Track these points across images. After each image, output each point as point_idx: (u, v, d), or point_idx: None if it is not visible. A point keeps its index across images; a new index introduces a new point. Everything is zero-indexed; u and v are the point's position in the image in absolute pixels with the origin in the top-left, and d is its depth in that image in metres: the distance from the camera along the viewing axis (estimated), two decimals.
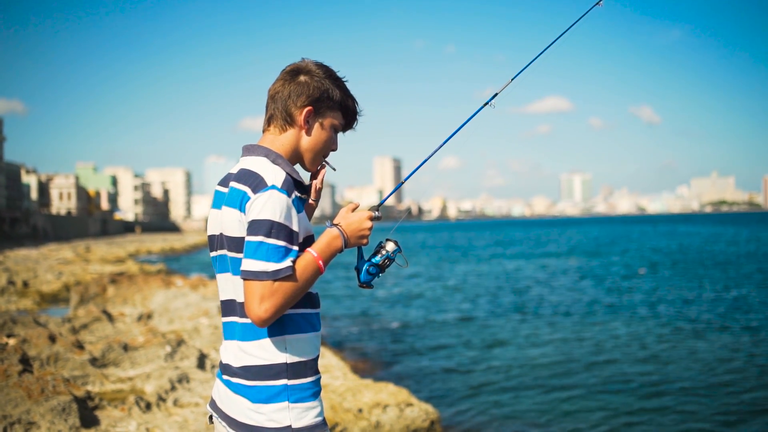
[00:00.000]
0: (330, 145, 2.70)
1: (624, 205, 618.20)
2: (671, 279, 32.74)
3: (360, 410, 8.78)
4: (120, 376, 9.54)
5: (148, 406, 7.73)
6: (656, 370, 13.54)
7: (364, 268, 2.67)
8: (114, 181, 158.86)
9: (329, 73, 2.65)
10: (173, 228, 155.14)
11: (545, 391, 12.24)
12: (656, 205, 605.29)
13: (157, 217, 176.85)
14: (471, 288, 31.06)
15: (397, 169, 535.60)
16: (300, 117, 2.59)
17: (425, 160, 2.86)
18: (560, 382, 12.86)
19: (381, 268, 2.67)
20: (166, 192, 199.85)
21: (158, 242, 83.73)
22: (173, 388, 8.54)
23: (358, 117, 2.74)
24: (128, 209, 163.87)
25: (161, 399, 8.11)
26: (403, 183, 2.86)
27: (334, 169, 2.79)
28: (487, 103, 2.97)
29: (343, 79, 2.69)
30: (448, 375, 13.57)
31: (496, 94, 2.97)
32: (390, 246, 2.68)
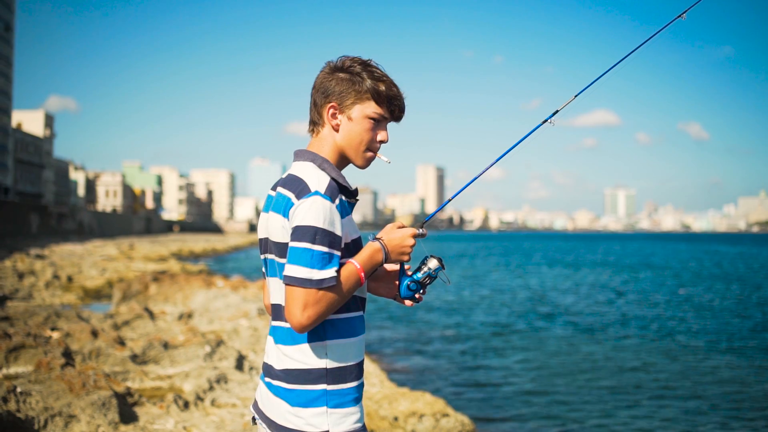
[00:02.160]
0: (370, 137, 2.60)
1: (668, 222, 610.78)
2: (708, 297, 32.26)
3: (396, 418, 8.77)
4: (159, 374, 9.63)
5: (186, 405, 7.80)
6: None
7: (404, 283, 2.68)
8: (159, 181, 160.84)
9: (356, 63, 2.59)
10: (216, 229, 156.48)
11: (585, 404, 12.11)
12: (701, 223, 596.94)
13: (201, 217, 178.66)
14: (512, 299, 30.87)
15: (440, 177, 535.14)
16: (326, 115, 2.58)
17: (475, 178, 2.78)
18: (603, 395, 12.71)
19: (422, 285, 2.67)
20: (210, 193, 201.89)
21: (200, 242, 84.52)
22: (211, 388, 8.60)
23: (400, 101, 2.64)
24: (172, 209, 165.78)
25: (199, 398, 8.18)
26: (450, 201, 2.85)
27: (388, 162, 2.72)
28: (546, 120, 2.89)
29: (376, 66, 2.61)
30: (486, 386, 13.48)
31: (557, 111, 2.87)
32: (433, 263, 2.66)
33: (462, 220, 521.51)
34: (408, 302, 2.72)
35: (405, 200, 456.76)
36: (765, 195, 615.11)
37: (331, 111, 2.57)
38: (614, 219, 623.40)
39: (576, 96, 2.93)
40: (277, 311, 2.56)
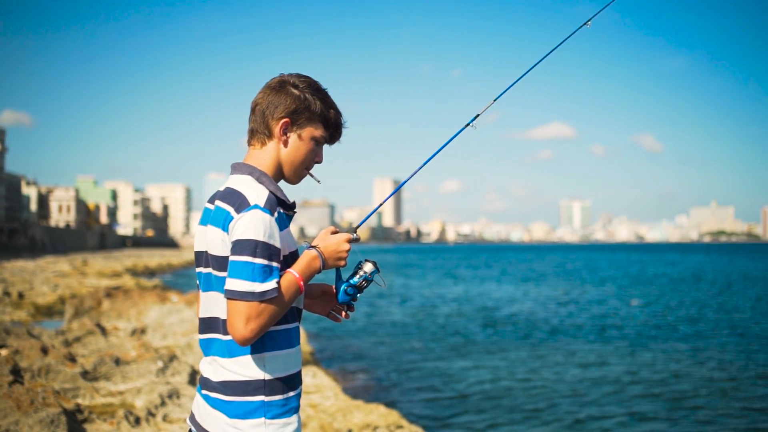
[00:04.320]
0: (311, 158, 2.68)
1: (623, 232, 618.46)
2: (661, 308, 32.75)
3: (350, 431, 8.78)
4: (111, 390, 9.53)
5: (137, 421, 7.74)
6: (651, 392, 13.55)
7: (341, 288, 2.72)
8: (114, 195, 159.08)
9: (309, 84, 2.65)
10: (172, 244, 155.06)
11: (536, 417, 12.23)
12: (655, 233, 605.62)
13: (156, 232, 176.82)
14: (466, 311, 31.04)
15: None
16: (277, 129, 2.60)
17: (402, 183, 2.92)
18: (552, 409, 12.85)
19: (358, 288, 2.71)
20: (165, 207, 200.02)
21: (156, 258, 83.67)
22: (163, 404, 8.54)
23: (342, 129, 2.74)
24: (127, 224, 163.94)
25: (151, 414, 8.11)
26: (380, 206, 2.87)
27: (318, 182, 2.80)
28: (468, 125, 2.99)
29: (327, 91, 2.69)
30: (440, 398, 13.55)
31: (477, 116, 2.99)
32: (368, 267, 2.71)
33: (419, 233, 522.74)
34: (342, 315, 2.80)
35: (362, 213, 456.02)
36: (716, 205, 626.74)
37: (283, 126, 2.60)
38: (570, 230, 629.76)
39: (495, 100, 3.07)
40: (214, 324, 2.56)
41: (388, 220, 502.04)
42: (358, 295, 2.73)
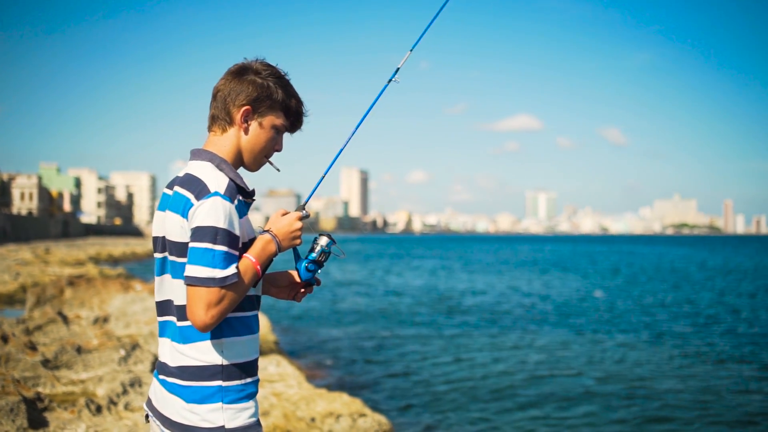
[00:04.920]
0: (272, 146, 2.69)
1: (587, 224, 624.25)
2: (623, 298, 33.13)
3: (313, 419, 8.80)
4: (72, 379, 9.46)
5: (99, 409, 7.69)
6: (597, 384, 13.71)
7: (302, 266, 2.73)
8: (77, 183, 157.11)
9: (272, 72, 2.65)
10: (136, 232, 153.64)
11: (498, 403, 12.34)
12: (619, 225, 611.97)
13: (121, 220, 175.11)
14: (430, 300, 31.17)
15: (364, 180, 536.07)
16: (238, 116, 2.60)
17: (339, 152, 2.91)
18: (514, 394, 12.97)
19: (319, 263, 2.73)
20: (130, 196, 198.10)
21: (120, 246, 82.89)
22: (125, 392, 8.49)
23: (303, 118, 2.75)
24: (91, 212, 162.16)
25: (112, 402, 8.07)
26: (323, 178, 2.88)
27: (278, 170, 2.81)
28: (391, 80, 3.01)
29: (289, 80, 2.69)
30: (403, 386, 13.61)
31: (398, 69, 3.02)
32: (323, 240, 2.73)
33: (386, 223, 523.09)
34: (302, 292, 2.82)
35: (329, 203, 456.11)
36: (679, 198, 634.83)
37: (245, 114, 2.60)
38: (535, 222, 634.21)
39: (410, 51, 3.09)
40: (166, 308, 2.57)
41: (354, 210, 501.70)
42: (319, 270, 2.74)
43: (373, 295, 34.16)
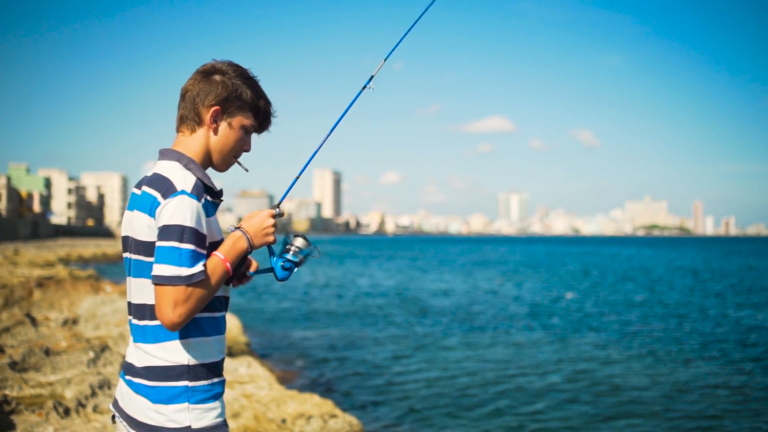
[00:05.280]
0: (240, 146, 2.69)
1: (559, 225, 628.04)
2: (594, 300, 33.37)
3: (283, 421, 8.78)
4: (40, 381, 9.37)
5: (67, 412, 7.63)
6: (571, 386, 13.81)
7: (278, 265, 2.71)
8: (47, 184, 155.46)
9: (241, 73, 2.65)
10: (107, 233, 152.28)
11: (468, 402, 12.38)
12: (591, 226, 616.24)
13: (94, 221, 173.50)
14: (401, 301, 31.20)
15: (337, 182, 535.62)
16: (207, 116, 2.60)
17: (314, 153, 2.90)
18: (483, 393, 13.02)
19: (294, 263, 2.72)
20: (101, 196, 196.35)
21: (90, 247, 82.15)
22: (94, 394, 8.43)
23: (271, 119, 2.75)
24: (62, 213, 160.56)
25: (81, 405, 8.00)
26: (297, 179, 2.86)
27: (246, 170, 2.81)
28: (365, 87, 3.02)
29: (258, 81, 2.70)
30: (375, 387, 13.62)
31: (372, 77, 3.04)
32: (299, 241, 2.73)
33: (358, 224, 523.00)
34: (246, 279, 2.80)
35: (302, 204, 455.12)
36: (650, 200, 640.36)
37: (214, 114, 2.60)
38: (507, 223, 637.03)
39: (385, 60, 3.13)
40: (139, 310, 2.56)
41: (327, 212, 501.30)
42: (296, 269, 2.73)
43: (345, 296, 34.14)
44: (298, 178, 2.86)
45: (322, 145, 2.89)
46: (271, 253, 2.74)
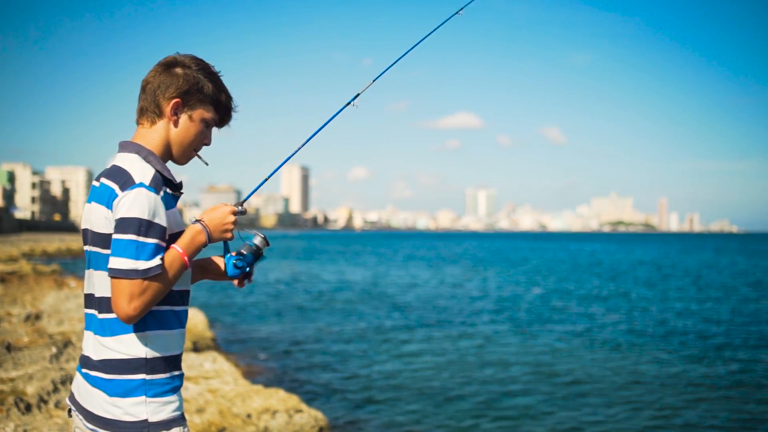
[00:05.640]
0: (200, 139, 2.69)
1: (526, 221, 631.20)
2: (560, 296, 33.63)
3: (249, 416, 8.76)
4: (1, 377, 9.26)
5: (28, 408, 7.56)
6: (537, 378, 13.92)
7: (230, 262, 2.70)
8: (11, 178, 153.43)
9: (202, 66, 2.65)
10: (72, 228, 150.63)
11: (434, 400, 12.42)
12: (557, 222, 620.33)
13: (60, 216, 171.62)
14: (368, 296, 31.23)
15: (305, 177, 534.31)
16: (168, 108, 2.59)
17: (290, 156, 2.90)
18: (447, 387, 13.08)
19: (247, 262, 2.71)
20: (66, 191, 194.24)
21: (55, 242, 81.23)
22: (56, 390, 8.36)
23: (232, 113, 2.75)
24: (25, 207, 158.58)
25: (42, 401, 7.93)
26: (266, 180, 2.87)
27: (206, 164, 2.79)
28: (349, 103, 3.06)
29: (219, 75, 2.69)
30: (340, 381, 13.62)
31: (357, 95, 3.06)
32: (258, 240, 2.72)
33: (326, 220, 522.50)
34: (236, 282, 2.79)
35: (269, 199, 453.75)
36: (616, 196, 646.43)
37: (174, 107, 2.59)
38: (475, 219, 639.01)
39: (374, 81, 3.15)
40: (96, 302, 2.54)
41: (295, 207, 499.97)
42: (247, 269, 2.72)
43: (312, 291, 34.09)
44: (267, 179, 2.87)
45: (295, 154, 2.90)
46: (226, 250, 2.72)
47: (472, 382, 13.83)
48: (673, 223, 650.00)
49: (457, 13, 3.45)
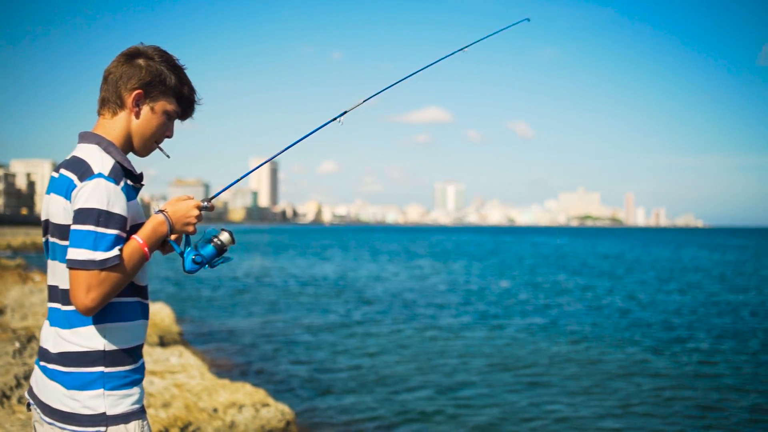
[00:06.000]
0: (162, 131, 2.67)
1: (495, 215, 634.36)
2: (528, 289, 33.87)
3: (215, 410, 8.74)
4: None
5: None
6: (499, 369, 14.03)
7: (189, 257, 2.64)
8: None
9: (166, 59, 2.63)
10: (38, 222, 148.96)
11: (402, 392, 12.47)
12: (525, 217, 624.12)
13: (22, 210, 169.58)
14: (336, 290, 31.23)
15: (274, 171, 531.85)
16: (129, 100, 2.57)
17: (266, 161, 2.89)
18: (413, 381, 13.13)
19: (208, 259, 2.65)
20: (31, 184, 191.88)
21: (20, 236, 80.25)
22: (19, 385, 8.27)
23: (195, 105, 2.73)
24: None
25: (5, 396, 7.85)
26: (239, 180, 2.83)
27: (168, 156, 2.77)
28: (335, 119, 3.00)
29: (183, 67, 2.68)
30: (307, 375, 13.64)
31: (345, 112, 3.01)
32: (224, 237, 2.66)
33: (295, 214, 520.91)
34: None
35: (238, 193, 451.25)
36: (583, 191, 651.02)
37: (136, 98, 2.57)
38: (444, 213, 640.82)
39: (364, 101, 3.10)
40: (55, 293, 2.52)
41: (264, 201, 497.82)
42: (207, 266, 2.67)
43: (279, 285, 34.00)
44: (239, 180, 2.84)
45: (272, 159, 2.87)
46: (187, 243, 2.66)
47: (436, 371, 13.99)
48: (639, 217, 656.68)
49: (461, 50, 3.45)
